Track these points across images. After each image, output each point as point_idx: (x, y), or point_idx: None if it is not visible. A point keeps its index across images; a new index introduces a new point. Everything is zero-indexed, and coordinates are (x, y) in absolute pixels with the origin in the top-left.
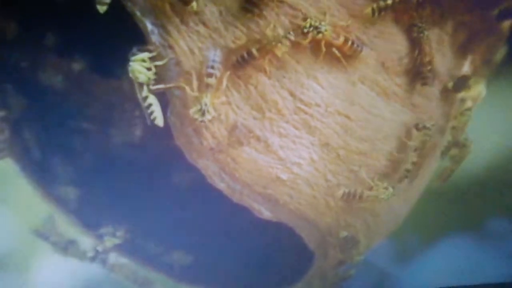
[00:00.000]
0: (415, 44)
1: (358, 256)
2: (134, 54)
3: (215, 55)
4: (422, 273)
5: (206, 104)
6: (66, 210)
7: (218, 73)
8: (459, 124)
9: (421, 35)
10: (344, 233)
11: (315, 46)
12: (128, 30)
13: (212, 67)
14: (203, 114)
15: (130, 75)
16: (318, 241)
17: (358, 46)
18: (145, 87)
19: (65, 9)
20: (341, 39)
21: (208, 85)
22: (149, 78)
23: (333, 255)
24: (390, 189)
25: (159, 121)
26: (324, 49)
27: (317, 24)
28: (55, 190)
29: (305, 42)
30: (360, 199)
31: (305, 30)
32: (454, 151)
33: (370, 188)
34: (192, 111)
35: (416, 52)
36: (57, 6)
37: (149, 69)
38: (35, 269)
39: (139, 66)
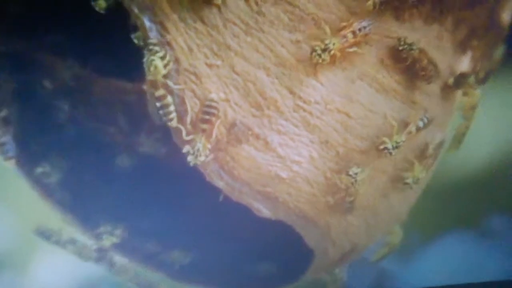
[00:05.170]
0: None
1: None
2: (151, 50)
3: (211, 102)
4: (422, 270)
5: (198, 149)
6: (64, 209)
7: (213, 119)
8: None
9: (411, 52)
10: None
11: None
12: (125, 28)
13: (208, 113)
14: (196, 157)
15: (151, 70)
16: (317, 239)
17: (365, 27)
18: (160, 85)
19: (61, 7)
20: (350, 36)
21: (203, 130)
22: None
23: (333, 253)
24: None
25: (174, 122)
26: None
27: (326, 43)
28: (52, 190)
29: (327, 59)
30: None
31: (317, 52)
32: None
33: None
34: (185, 151)
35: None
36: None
37: (165, 66)
38: (34, 268)
39: (160, 63)
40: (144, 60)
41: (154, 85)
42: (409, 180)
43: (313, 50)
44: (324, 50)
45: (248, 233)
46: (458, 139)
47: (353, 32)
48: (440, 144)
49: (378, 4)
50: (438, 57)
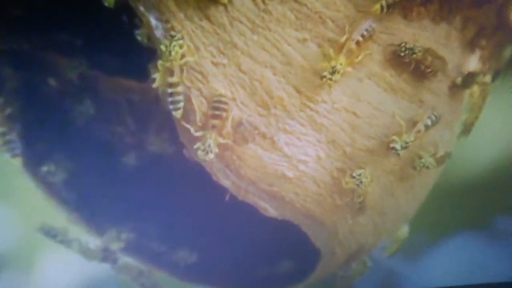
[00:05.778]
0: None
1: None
2: (173, 36)
3: (220, 97)
4: (430, 271)
5: (210, 145)
6: (69, 209)
7: (224, 114)
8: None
9: (414, 56)
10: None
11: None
12: (132, 27)
13: (218, 109)
14: (206, 153)
15: (172, 54)
16: (324, 239)
17: (367, 30)
18: (175, 74)
19: (67, 6)
20: (354, 47)
21: (213, 126)
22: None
23: (340, 253)
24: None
25: (180, 112)
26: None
27: (333, 66)
28: (57, 189)
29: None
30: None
31: (327, 77)
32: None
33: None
34: (196, 147)
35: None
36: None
37: (182, 56)
38: (39, 267)
39: (180, 50)
40: (164, 45)
41: (170, 71)
42: (418, 163)
43: (323, 77)
44: (333, 73)
45: (254, 233)
46: (468, 128)
47: (358, 42)
48: (449, 154)
49: (385, 7)
50: (446, 56)
